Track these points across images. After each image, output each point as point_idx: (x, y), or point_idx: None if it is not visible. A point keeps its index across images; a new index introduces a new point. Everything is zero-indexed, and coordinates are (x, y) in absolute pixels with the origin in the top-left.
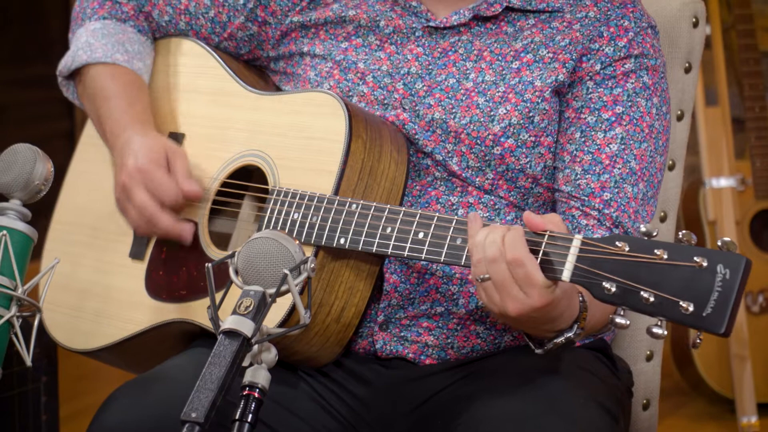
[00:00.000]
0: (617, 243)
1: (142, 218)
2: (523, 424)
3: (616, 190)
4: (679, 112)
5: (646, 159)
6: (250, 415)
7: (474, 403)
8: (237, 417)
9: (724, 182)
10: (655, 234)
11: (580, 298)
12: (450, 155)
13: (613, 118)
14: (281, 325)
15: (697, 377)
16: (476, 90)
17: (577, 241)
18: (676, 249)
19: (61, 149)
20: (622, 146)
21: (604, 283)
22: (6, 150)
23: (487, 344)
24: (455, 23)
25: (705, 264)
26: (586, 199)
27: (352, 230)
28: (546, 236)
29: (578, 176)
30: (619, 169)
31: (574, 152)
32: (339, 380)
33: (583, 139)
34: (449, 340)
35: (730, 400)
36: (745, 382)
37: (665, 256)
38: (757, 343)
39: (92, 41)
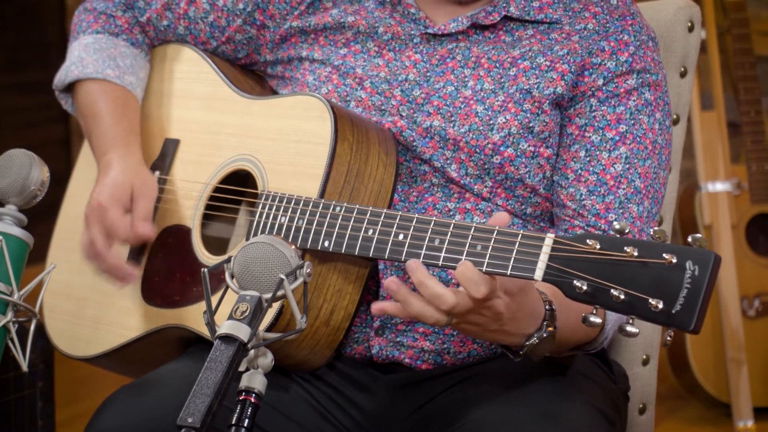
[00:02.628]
0: (588, 241)
1: (91, 251)
2: (520, 428)
3: (621, 211)
4: (675, 117)
5: (650, 176)
6: (247, 420)
7: (470, 408)
8: (233, 422)
9: (720, 186)
10: (627, 231)
11: (545, 298)
12: (449, 162)
13: (617, 138)
14: (270, 327)
15: (693, 381)
16: (475, 98)
17: (549, 240)
18: (647, 246)
19: (56, 154)
20: (627, 165)
21: (575, 282)
22: (1, 155)
23: (483, 349)
24: (453, 30)
25: (674, 261)
26: (592, 219)
27: (335, 233)
28: (519, 236)
29: (583, 197)
30: (623, 189)
31: (579, 171)
32: (335, 385)
33: (588, 159)
34: (445, 345)
35: (727, 404)
36: (741, 386)
37: (635, 254)
38: (754, 347)
39: (84, 56)
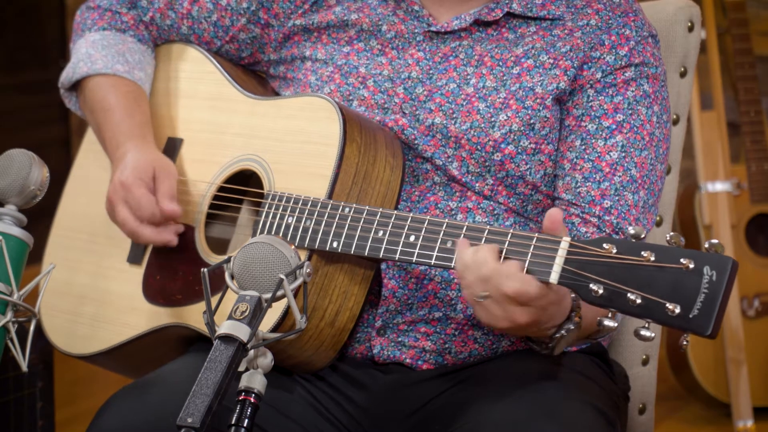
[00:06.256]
0: (605, 245)
1: (124, 231)
2: (520, 428)
3: (617, 198)
4: (674, 117)
5: (647, 167)
6: (246, 420)
7: (471, 409)
8: (233, 422)
9: (719, 186)
10: (643, 236)
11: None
12: (450, 160)
13: (614, 126)
14: (275, 329)
15: (693, 381)
16: (477, 95)
17: (564, 243)
18: (664, 251)
19: (56, 154)
20: (623, 154)
21: (591, 285)
22: (1, 155)
23: (484, 349)
24: (456, 28)
25: (692, 266)
26: (586, 206)
27: (344, 234)
28: (534, 238)
29: (578, 184)
30: (619, 176)
31: (575, 160)
32: (336, 385)
33: (583, 147)
34: (447, 345)
35: (726, 404)
36: (741, 386)
37: (652, 258)
38: (753, 347)
39: (92, 52)
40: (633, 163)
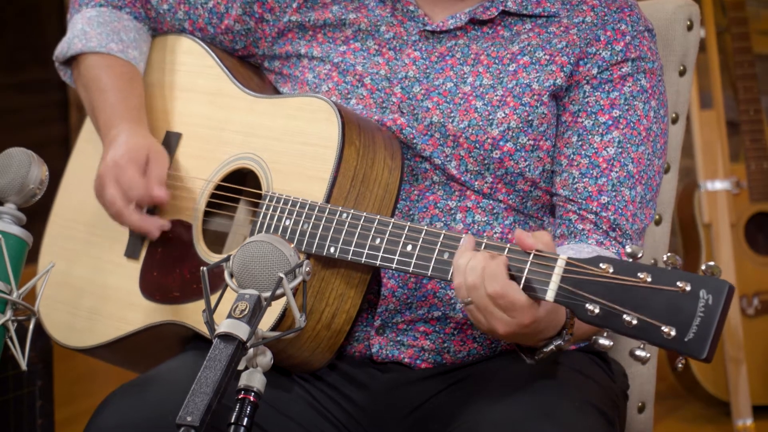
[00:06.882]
0: (601, 265)
1: (110, 211)
2: (519, 428)
3: (614, 194)
4: (674, 115)
5: (644, 162)
6: (246, 419)
7: (469, 408)
8: (232, 421)
9: (719, 185)
10: (640, 255)
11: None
12: (448, 159)
13: (610, 122)
14: (274, 328)
15: (692, 380)
16: (474, 94)
17: (561, 261)
18: (660, 272)
19: (56, 154)
20: (620, 149)
21: (587, 305)
22: (1, 154)
23: (483, 348)
24: (452, 27)
25: (688, 288)
26: (583, 202)
27: (342, 240)
28: (531, 255)
29: (575, 180)
30: (616, 172)
31: (572, 156)
32: (335, 384)
33: (580, 143)
34: (446, 345)
35: (726, 402)
36: (740, 384)
37: (649, 280)
38: (752, 345)
39: (87, 29)
40: (630, 158)
